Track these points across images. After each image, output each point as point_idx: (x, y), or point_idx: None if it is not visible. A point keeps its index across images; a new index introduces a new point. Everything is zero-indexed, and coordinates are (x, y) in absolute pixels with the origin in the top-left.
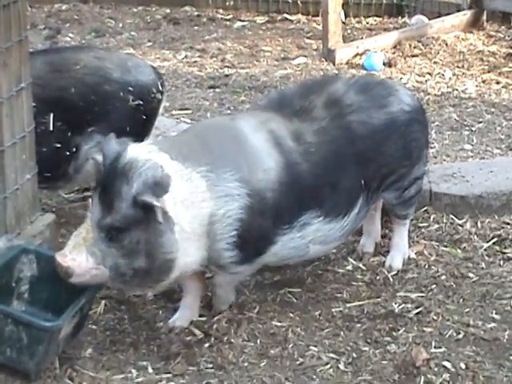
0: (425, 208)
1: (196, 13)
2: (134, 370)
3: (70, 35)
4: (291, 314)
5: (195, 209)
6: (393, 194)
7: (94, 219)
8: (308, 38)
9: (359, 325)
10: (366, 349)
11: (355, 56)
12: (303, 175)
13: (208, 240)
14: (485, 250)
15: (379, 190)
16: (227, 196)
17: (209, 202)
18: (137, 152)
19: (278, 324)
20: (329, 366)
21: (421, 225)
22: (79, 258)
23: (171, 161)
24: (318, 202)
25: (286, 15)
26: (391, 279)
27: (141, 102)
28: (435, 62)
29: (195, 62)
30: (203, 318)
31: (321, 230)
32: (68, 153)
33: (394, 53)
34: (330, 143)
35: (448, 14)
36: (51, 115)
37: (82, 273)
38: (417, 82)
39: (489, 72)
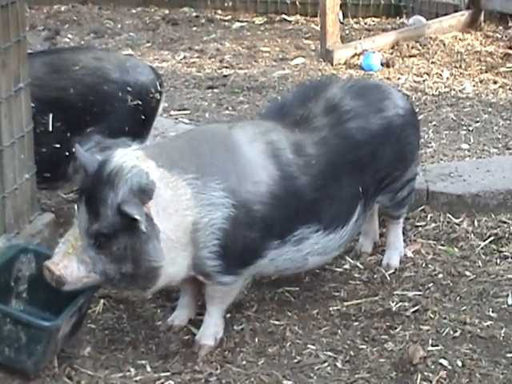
0: (422, 207)
1: (194, 14)
2: (132, 369)
3: (69, 36)
4: (289, 313)
5: (179, 216)
6: (386, 196)
7: (82, 227)
8: (306, 38)
9: (357, 323)
10: (364, 347)
11: (353, 56)
12: (301, 189)
13: (193, 248)
14: (481, 248)
15: (376, 195)
16: (211, 205)
17: (192, 209)
18: (123, 158)
19: (276, 322)
20: (326, 364)
21: (418, 224)
22: (70, 266)
23: (157, 168)
24: (316, 216)
25: (284, 16)
26: (388, 278)
27: (139, 103)
28: (433, 62)
29: (194, 62)
30: (201, 317)
31: (319, 242)
32: (67, 153)
33: (391, 53)
34: (330, 153)
35: (446, 15)
36: (50, 116)
37: (74, 281)
38: (414, 82)
39: (486, 72)
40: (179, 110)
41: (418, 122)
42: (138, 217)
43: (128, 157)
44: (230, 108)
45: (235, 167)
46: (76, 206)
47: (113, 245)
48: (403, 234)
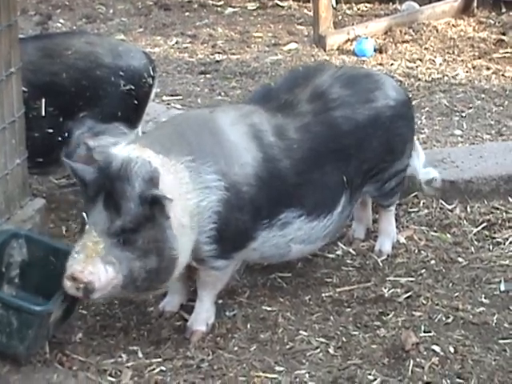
0: (414, 193)
1: None
2: (124, 355)
3: (61, 21)
4: (281, 299)
5: (182, 200)
6: (373, 186)
7: (101, 228)
8: (299, 24)
9: (349, 309)
10: (356, 333)
11: (346, 42)
12: (283, 171)
13: (194, 233)
14: (474, 234)
15: (362, 185)
16: (207, 188)
17: (192, 193)
18: (125, 152)
19: (268, 309)
20: (318, 350)
21: (410, 210)
22: (97, 270)
23: (156, 155)
24: (299, 200)
25: (277, 1)
26: (381, 264)
27: (132, 87)
28: (426, 48)
29: (186, 48)
30: (193, 303)
31: (302, 228)
32: (60, 138)
33: (384, 39)
34: (313, 140)
35: (439, 1)
36: (43, 100)
37: (104, 286)
38: (407, 68)
39: (479, 58)
40: (171, 96)
41: (411, 113)
42: (169, 195)
43: (128, 150)
44: (223, 93)
45: (222, 150)
46: (84, 213)
47: (138, 239)
48: (396, 220)
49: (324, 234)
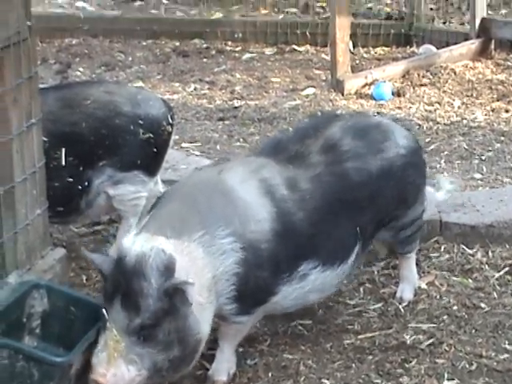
0: (435, 238)
1: (205, 45)
2: None
3: (80, 69)
4: (302, 347)
5: (200, 278)
6: (388, 233)
7: (120, 326)
8: (316, 68)
9: (371, 357)
10: (378, 381)
11: (364, 86)
12: (298, 224)
13: (215, 299)
14: (496, 279)
15: (375, 234)
16: (223, 253)
17: (208, 266)
18: (137, 245)
19: (290, 356)
20: None
21: (431, 255)
22: (120, 371)
23: (168, 240)
24: (314, 251)
25: (294, 46)
26: (402, 310)
27: (151, 135)
28: (444, 91)
29: (204, 94)
30: (213, 352)
31: (319, 278)
32: (80, 187)
33: (402, 82)
34: (325, 190)
35: (456, 43)
36: (63, 150)
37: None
38: (426, 111)
39: (498, 101)
40: (190, 142)
41: (422, 160)
42: (190, 280)
43: (140, 241)
44: (241, 140)
45: (234, 210)
46: (104, 310)
47: (158, 333)
48: (416, 265)
49: (338, 281)
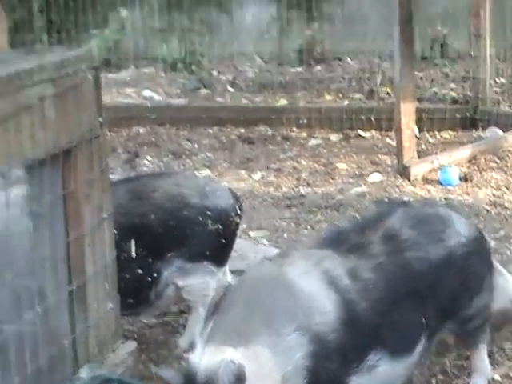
0: (508, 328)
1: (270, 132)
2: None
3: (148, 158)
4: None
5: (270, 381)
6: (454, 325)
7: None
8: (382, 153)
9: None
10: None
11: (430, 171)
12: (363, 313)
13: None
14: None
15: (440, 325)
16: (290, 349)
17: (277, 366)
18: (205, 359)
19: None
20: None
21: (504, 346)
22: None
23: (235, 350)
24: (380, 341)
25: (359, 131)
26: None
27: (219, 226)
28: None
29: (271, 181)
30: None
31: (387, 369)
32: (149, 279)
33: (469, 167)
34: (388, 280)
35: None
36: (132, 242)
37: None
38: (494, 195)
39: None
40: (258, 231)
41: (485, 248)
42: None
43: (208, 355)
44: (309, 227)
45: (297, 303)
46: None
47: None
48: (489, 356)
49: (405, 372)
